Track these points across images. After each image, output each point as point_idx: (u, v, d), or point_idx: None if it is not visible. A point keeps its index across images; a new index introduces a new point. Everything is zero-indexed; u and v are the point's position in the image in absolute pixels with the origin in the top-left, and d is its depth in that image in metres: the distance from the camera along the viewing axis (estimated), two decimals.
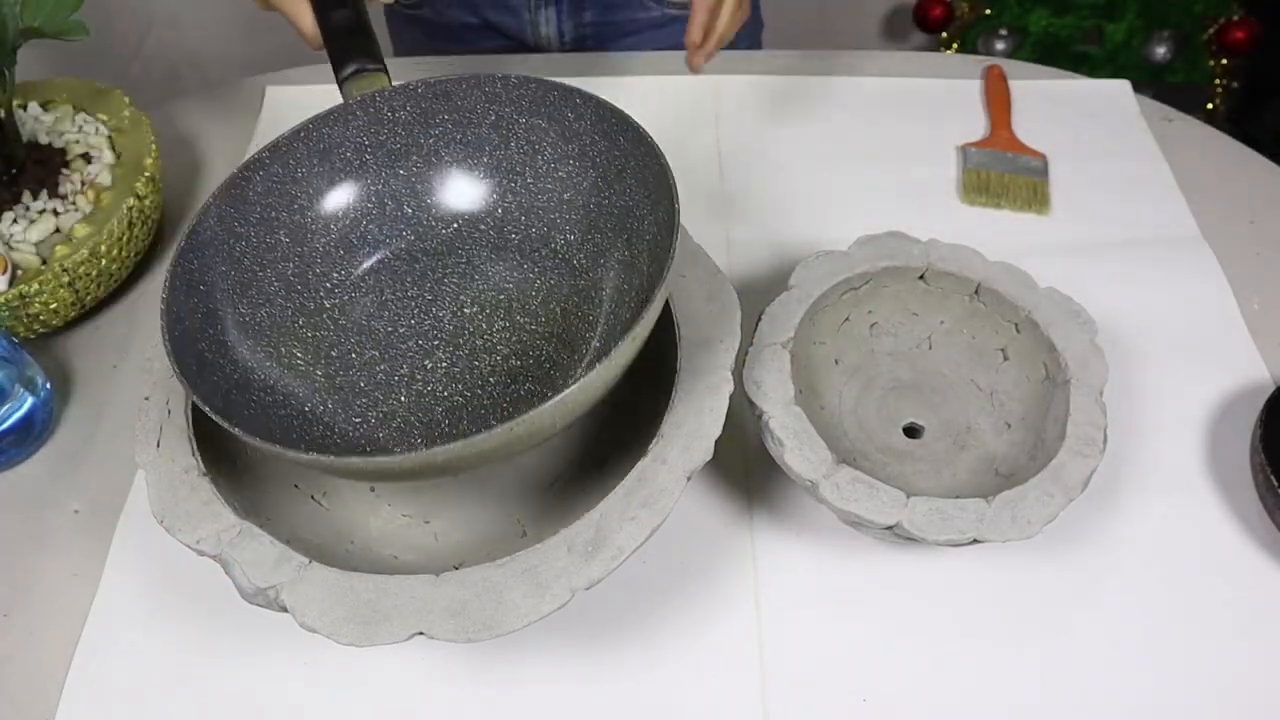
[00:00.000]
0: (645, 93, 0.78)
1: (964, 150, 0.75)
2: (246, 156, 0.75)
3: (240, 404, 0.47)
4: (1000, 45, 1.59)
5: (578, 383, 0.40)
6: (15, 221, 0.61)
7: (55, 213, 0.62)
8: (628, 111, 0.50)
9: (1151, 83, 1.56)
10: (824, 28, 1.64)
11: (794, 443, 0.49)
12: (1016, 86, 0.79)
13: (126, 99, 0.69)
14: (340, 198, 0.55)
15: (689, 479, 0.44)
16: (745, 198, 0.72)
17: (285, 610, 0.42)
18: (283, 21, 0.57)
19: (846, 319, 0.59)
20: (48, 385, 0.60)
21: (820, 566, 0.53)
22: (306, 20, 0.56)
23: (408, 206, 0.56)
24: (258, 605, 0.43)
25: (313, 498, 0.52)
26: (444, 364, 0.52)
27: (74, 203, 0.63)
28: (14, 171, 0.63)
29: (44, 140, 0.66)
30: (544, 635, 0.50)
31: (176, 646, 0.51)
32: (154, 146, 0.66)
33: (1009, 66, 0.81)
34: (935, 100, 0.79)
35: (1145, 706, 0.49)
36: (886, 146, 0.76)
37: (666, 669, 0.50)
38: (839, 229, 0.61)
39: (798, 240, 0.68)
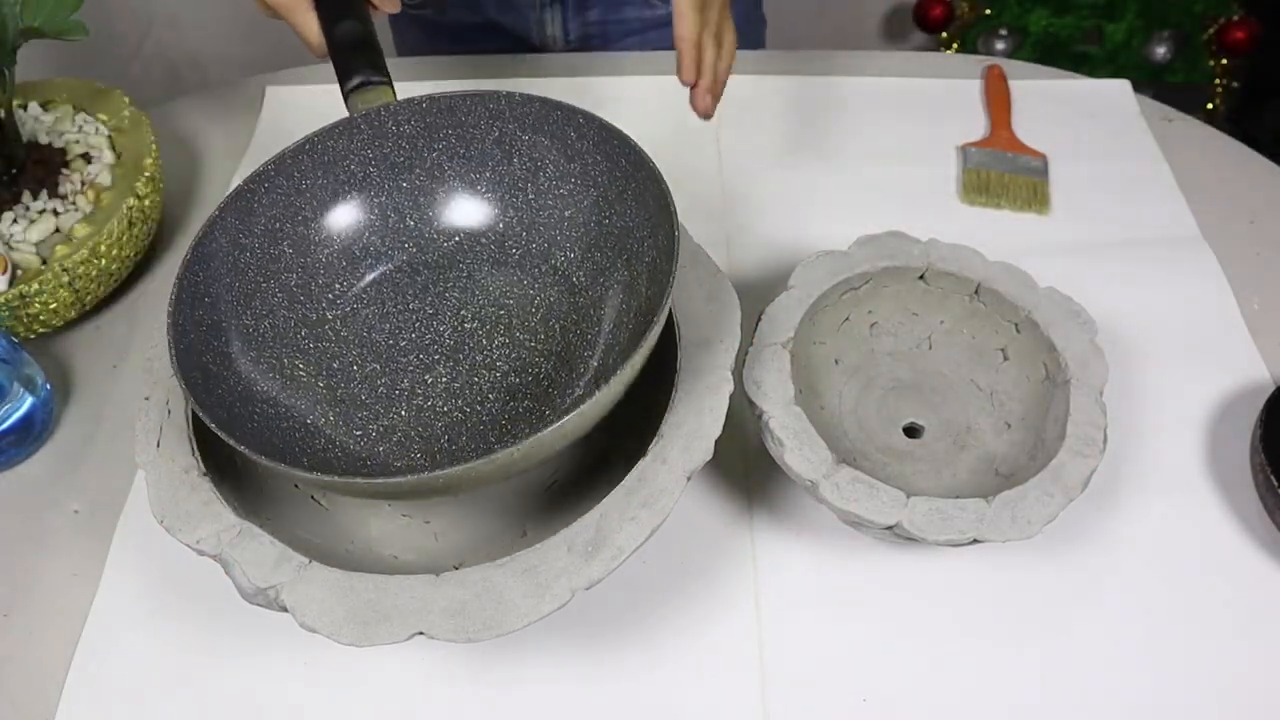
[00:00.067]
0: (646, 92, 0.78)
1: (964, 150, 0.75)
2: (246, 159, 0.76)
3: (244, 417, 0.47)
4: (1000, 45, 1.59)
5: (575, 410, 0.40)
6: (15, 221, 0.61)
7: (55, 213, 0.62)
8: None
9: (1151, 83, 1.56)
10: (824, 28, 1.64)
11: (794, 443, 0.49)
12: (1016, 86, 0.79)
13: (126, 99, 0.69)
14: (344, 210, 0.55)
15: (689, 479, 0.44)
16: (745, 198, 0.72)
17: (285, 610, 0.42)
18: (283, 23, 0.57)
19: (846, 319, 0.59)
20: (48, 385, 0.60)
21: (820, 566, 0.53)
22: (312, 31, 0.56)
23: (410, 219, 0.56)
24: (258, 605, 0.43)
25: (313, 498, 0.52)
26: (444, 379, 0.52)
27: (74, 203, 0.63)
28: (14, 171, 0.63)
29: (44, 140, 0.66)
30: (544, 635, 0.50)
31: (176, 646, 0.51)
32: (154, 146, 0.66)
33: (1009, 66, 0.81)
34: (935, 100, 0.79)
35: (1145, 706, 0.49)
36: (886, 146, 0.76)
37: (666, 669, 0.50)
38: (839, 229, 0.61)
39: (798, 240, 0.68)
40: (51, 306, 0.60)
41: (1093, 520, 0.54)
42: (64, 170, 0.64)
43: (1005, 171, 0.73)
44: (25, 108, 0.67)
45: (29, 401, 0.58)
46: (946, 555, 0.53)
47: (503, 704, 0.49)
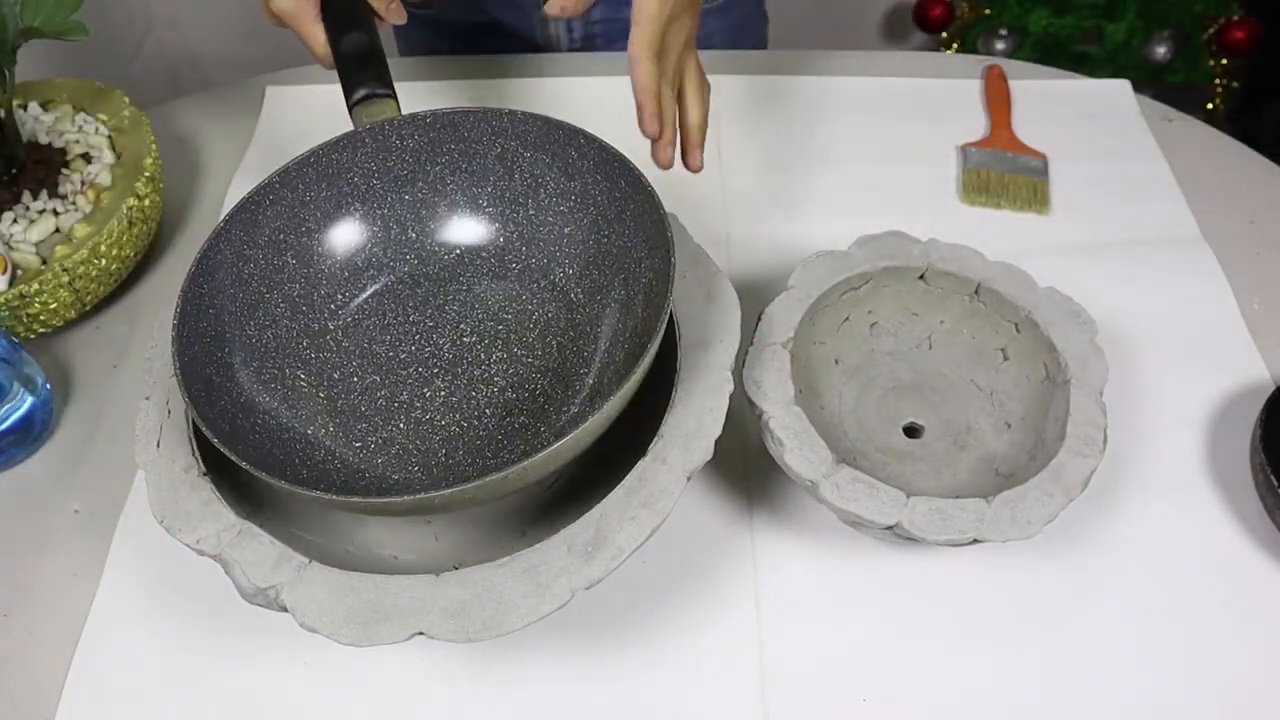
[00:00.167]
0: None
1: (964, 150, 0.75)
2: (246, 159, 0.76)
3: (245, 429, 0.48)
4: (1000, 45, 1.59)
5: (567, 436, 0.41)
6: (15, 221, 0.61)
7: (55, 213, 0.62)
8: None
9: (1151, 83, 1.56)
10: (824, 28, 1.64)
11: (794, 443, 0.49)
12: (1016, 86, 0.79)
13: (126, 99, 0.69)
14: (347, 222, 0.56)
15: (689, 479, 0.44)
16: (745, 198, 0.72)
17: (285, 610, 0.42)
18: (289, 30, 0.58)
19: (846, 319, 0.59)
20: (48, 385, 0.60)
21: (820, 566, 0.53)
22: (319, 42, 0.56)
23: (412, 231, 0.57)
24: (258, 605, 0.43)
25: None
26: (442, 393, 0.53)
27: (74, 203, 0.63)
28: (14, 171, 0.63)
29: (44, 140, 0.66)
30: (544, 635, 0.50)
31: (176, 646, 0.51)
32: (154, 146, 0.66)
33: (1009, 66, 0.81)
34: (935, 100, 0.79)
35: (1145, 706, 0.49)
36: (886, 146, 0.76)
37: (666, 669, 0.50)
38: (839, 229, 0.61)
39: (798, 240, 0.68)
40: (51, 306, 0.60)
41: (1093, 520, 0.54)
42: (64, 170, 0.64)
43: (1005, 171, 0.73)
44: (25, 108, 0.67)
45: (29, 401, 0.58)
46: (946, 555, 0.53)
47: (503, 704, 0.49)
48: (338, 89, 0.55)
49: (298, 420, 0.51)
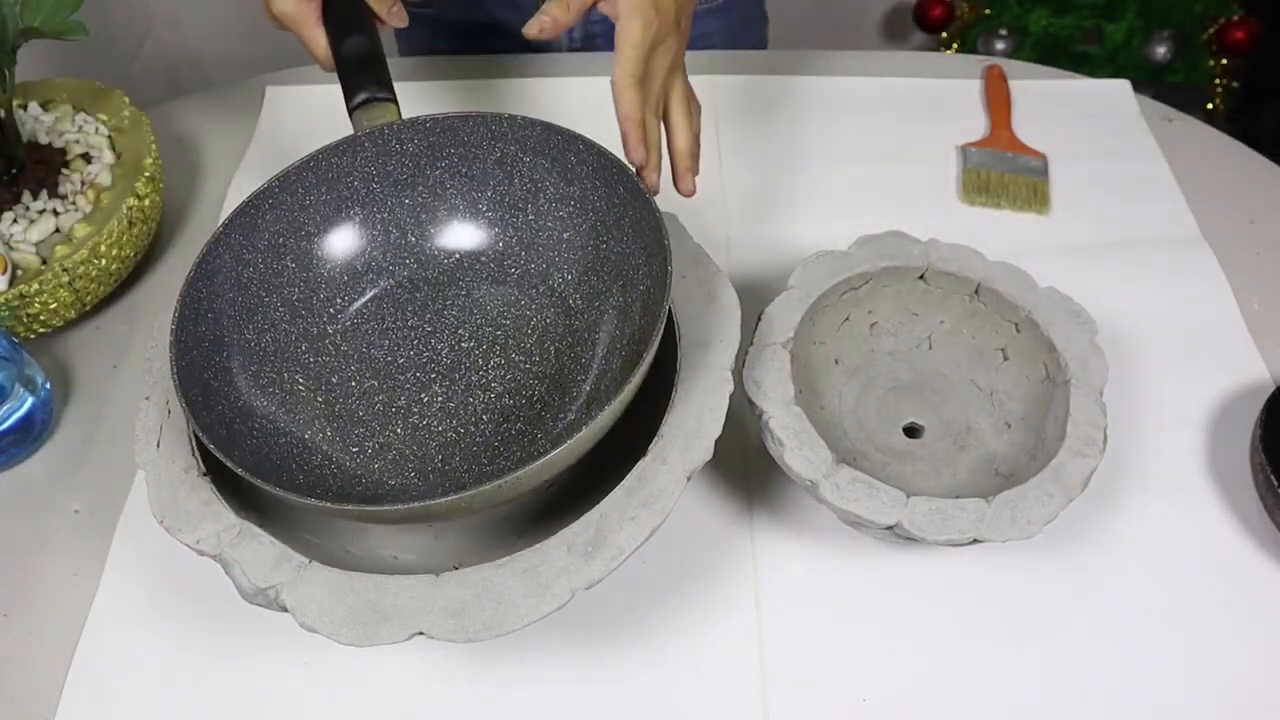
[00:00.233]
0: None
1: (964, 150, 0.75)
2: (246, 159, 0.76)
3: (243, 433, 0.48)
4: (1000, 45, 1.59)
5: (566, 444, 0.41)
6: (15, 221, 0.61)
7: (55, 213, 0.62)
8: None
9: (1151, 83, 1.56)
10: (824, 28, 1.64)
11: (794, 443, 0.49)
12: (1016, 86, 0.79)
13: (126, 99, 0.69)
14: (346, 226, 0.56)
15: (689, 479, 0.44)
16: (745, 198, 0.72)
17: (285, 610, 0.42)
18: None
19: (846, 319, 0.59)
20: (48, 385, 0.60)
21: (820, 566, 0.53)
22: (320, 45, 0.56)
23: (411, 235, 0.57)
24: (258, 605, 0.43)
25: None
26: (440, 398, 0.53)
27: (74, 203, 0.63)
28: (14, 171, 0.63)
29: (44, 140, 0.66)
30: (544, 635, 0.50)
31: (176, 646, 0.51)
32: (154, 146, 0.66)
33: (1009, 66, 0.81)
34: (935, 100, 0.79)
35: (1145, 706, 0.49)
36: (886, 146, 0.76)
37: (666, 669, 0.50)
38: (839, 229, 0.61)
39: (798, 240, 0.68)
40: (51, 306, 0.60)
41: (1093, 520, 0.54)
42: (64, 170, 0.64)
43: (1005, 171, 0.73)
44: (25, 108, 0.67)
45: (29, 401, 0.58)
46: (946, 555, 0.53)
47: (503, 704, 0.49)
48: (338, 89, 0.55)
49: (295, 425, 0.51)
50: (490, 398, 0.53)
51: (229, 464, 0.42)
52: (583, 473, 0.53)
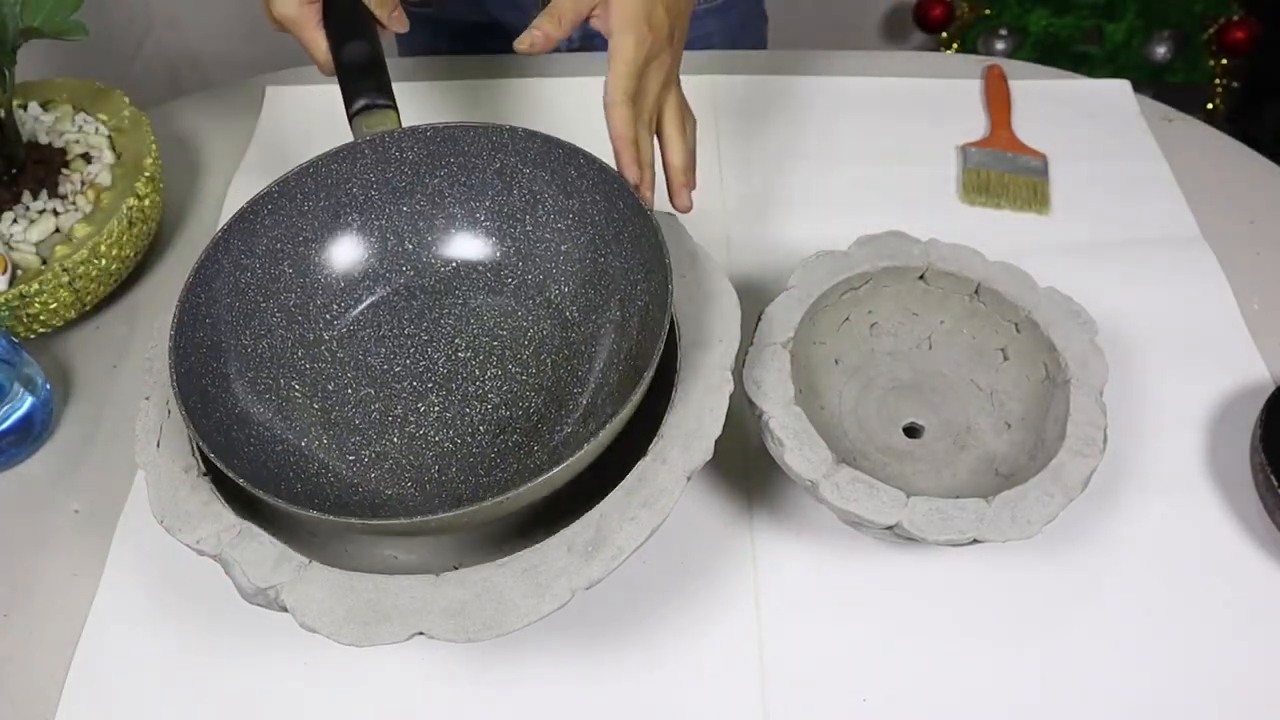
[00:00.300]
0: None
1: (964, 150, 0.75)
2: (246, 159, 0.76)
3: (240, 440, 0.48)
4: (1000, 45, 1.59)
5: (565, 463, 0.41)
6: (15, 221, 0.61)
7: (55, 213, 0.62)
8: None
9: (1151, 83, 1.56)
10: (824, 27, 1.64)
11: (794, 443, 0.49)
12: (1016, 86, 0.79)
13: (126, 99, 0.69)
14: (344, 232, 0.55)
15: (689, 479, 0.44)
16: (745, 198, 0.72)
17: (285, 610, 0.42)
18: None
19: (846, 319, 0.59)
20: (48, 385, 0.60)
21: (820, 566, 0.53)
22: (321, 49, 0.56)
23: (409, 243, 0.56)
24: (258, 605, 0.43)
25: None
26: (436, 408, 0.53)
27: (74, 203, 0.63)
28: (14, 171, 0.63)
29: (44, 140, 0.66)
30: (544, 635, 0.50)
31: (176, 646, 0.51)
32: (154, 146, 0.66)
33: (1009, 66, 0.81)
34: (935, 100, 0.79)
35: (1145, 706, 0.49)
36: (886, 146, 0.76)
37: (666, 669, 0.50)
38: (839, 229, 0.61)
39: (798, 240, 0.68)
40: (51, 306, 0.60)
41: (1093, 520, 0.54)
42: (64, 170, 0.64)
43: (1005, 171, 0.73)
44: (25, 108, 0.67)
45: (29, 401, 0.58)
46: (946, 555, 0.53)
47: (503, 704, 0.49)
48: (338, 90, 0.55)
49: (292, 432, 0.51)
50: (487, 409, 0.53)
51: (228, 472, 0.42)
52: (583, 473, 0.53)
